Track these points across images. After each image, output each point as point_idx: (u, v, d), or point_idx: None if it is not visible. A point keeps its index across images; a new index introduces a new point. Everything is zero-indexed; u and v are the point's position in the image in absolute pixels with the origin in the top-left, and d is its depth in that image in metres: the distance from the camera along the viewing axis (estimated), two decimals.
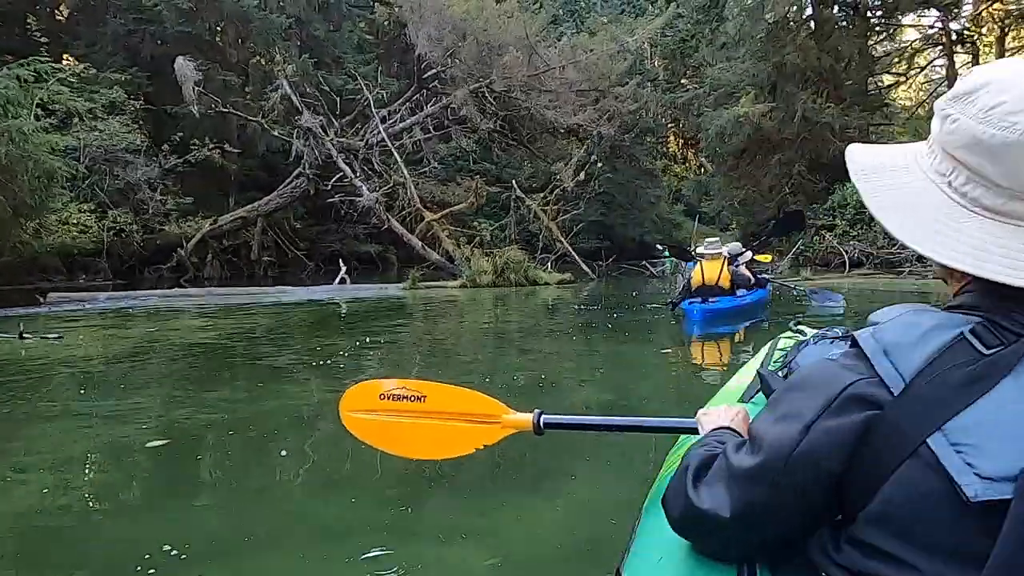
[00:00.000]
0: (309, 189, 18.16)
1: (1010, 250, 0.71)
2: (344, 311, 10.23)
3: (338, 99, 18.65)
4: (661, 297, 12.37)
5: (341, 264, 14.53)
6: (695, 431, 1.30)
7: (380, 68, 22.90)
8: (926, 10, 23.71)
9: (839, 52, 21.76)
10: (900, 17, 24.12)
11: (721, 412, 1.19)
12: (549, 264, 15.50)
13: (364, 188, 15.93)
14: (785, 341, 2.55)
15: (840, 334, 1.93)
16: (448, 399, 1.60)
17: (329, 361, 5.13)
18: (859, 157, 0.84)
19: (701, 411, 1.26)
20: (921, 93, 30.56)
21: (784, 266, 16.30)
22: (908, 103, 29.98)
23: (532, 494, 2.56)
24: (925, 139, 0.83)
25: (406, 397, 1.57)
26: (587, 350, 6.04)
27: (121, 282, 15.29)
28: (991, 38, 25.15)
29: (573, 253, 16.26)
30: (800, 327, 2.73)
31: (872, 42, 24.41)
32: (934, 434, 0.68)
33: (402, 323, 8.78)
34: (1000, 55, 24.80)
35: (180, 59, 15.15)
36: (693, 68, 29.25)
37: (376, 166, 17.40)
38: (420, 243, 15.57)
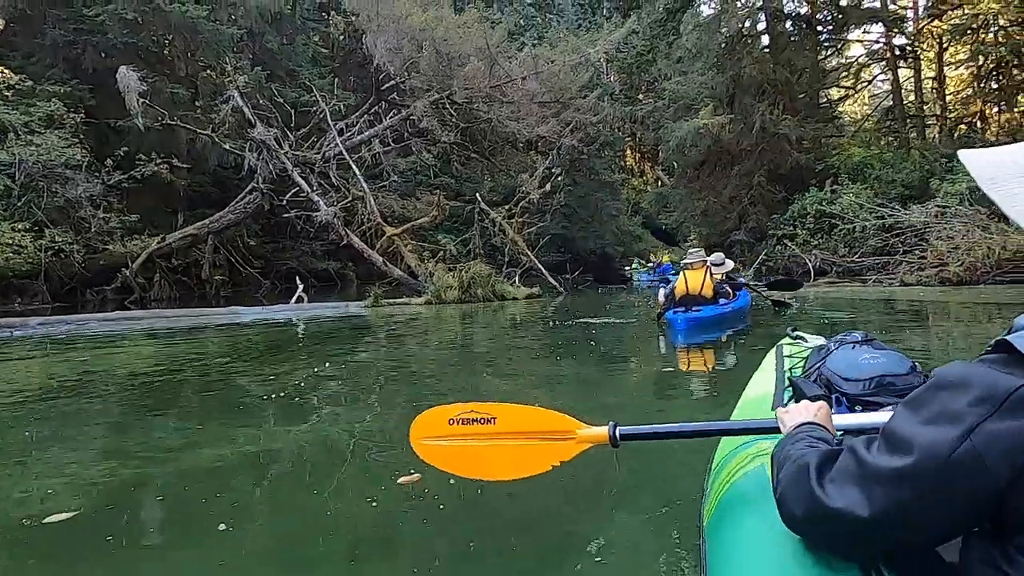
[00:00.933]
0: (263, 204, 17.46)
1: None
2: (302, 332, 9.65)
3: (292, 112, 18.07)
4: (631, 309, 12.18)
5: (298, 282, 13.90)
6: (776, 430, 1.30)
7: (336, 81, 22.37)
8: (872, 25, 24.52)
9: (793, 65, 22.22)
10: (848, 32, 24.86)
11: (801, 409, 1.21)
12: (516, 278, 15.17)
13: (321, 203, 15.35)
14: (790, 347, 2.58)
15: (860, 338, 2.02)
16: (519, 418, 1.60)
17: (283, 393, 4.54)
18: (979, 166, 0.85)
19: (780, 409, 1.28)
20: (866, 107, 31.69)
21: (749, 276, 16.32)
22: (856, 116, 30.92)
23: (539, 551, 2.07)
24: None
25: (476, 420, 1.58)
26: (574, 370, 5.56)
27: (61, 305, 14.34)
28: (931, 54, 26.12)
29: (540, 267, 15.96)
30: (798, 333, 2.81)
31: (822, 57, 25.08)
32: None
33: (366, 344, 8.24)
34: (940, 70, 25.84)
35: (123, 68, 14.41)
36: (649, 83, 29.60)
37: (334, 180, 16.85)
38: (381, 259, 15.05)
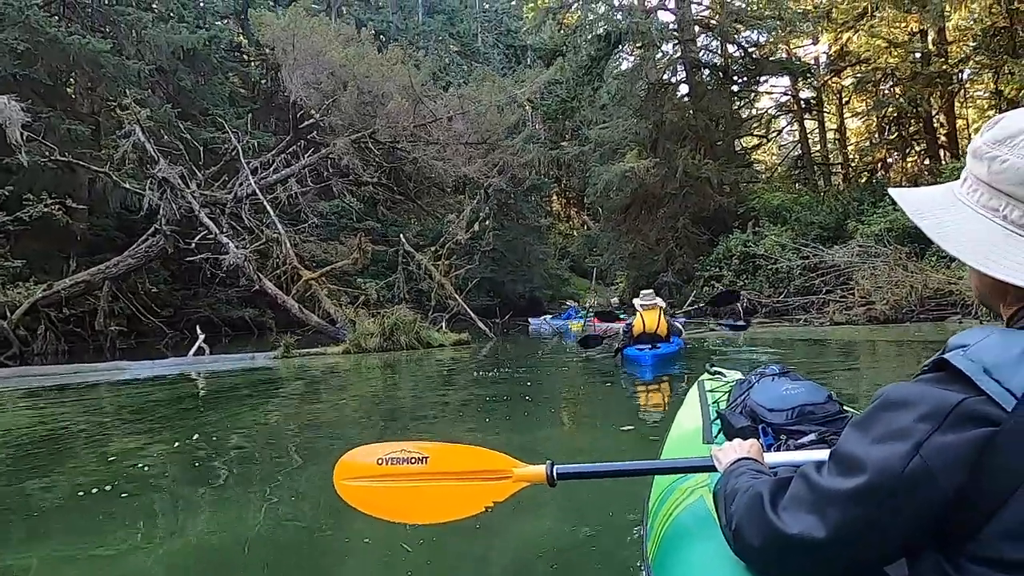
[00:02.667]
0: (167, 248, 16.09)
1: None
2: (201, 389, 8.53)
3: (202, 149, 16.96)
4: (566, 353, 11.67)
5: (199, 331, 12.65)
6: (712, 468, 1.29)
7: (255, 122, 21.42)
8: (780, 78, 25.88)
9: (711, 112, 22.94)
10: (759, 84, 26.10)
11: (735, 446, 1.23)
12: (443, 323, 14.43)
13: (231, 245, 14.23)
14: (710, 382, 2.66)
15: (777, 371, 2.11)
16: (453, 458, 1.53)
17: (131, 482, 3.40)
18: (907, 200, 0.91)
19: (715, 448, 1.29)
20: (774, 157, 33.36)
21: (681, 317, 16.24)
22: (767, 164, 32.42)
23: None
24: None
25: (406, 460, 1.49)
26: (514, 434, 4.72)
27: None
28: (832, 106, 27.80)
29: (469, 311, 15.29)
30: (716, 369, 2.94)
31: (737, 106, 26.18)
32: None
33: (271, 403, 7.11)
34: (841, 122, 27.46)
35: (3, 98, 13.04)
36: (573, 130, 30.07)
37: (247, 221, 15.76)
38: (297, 305, 14.01)
